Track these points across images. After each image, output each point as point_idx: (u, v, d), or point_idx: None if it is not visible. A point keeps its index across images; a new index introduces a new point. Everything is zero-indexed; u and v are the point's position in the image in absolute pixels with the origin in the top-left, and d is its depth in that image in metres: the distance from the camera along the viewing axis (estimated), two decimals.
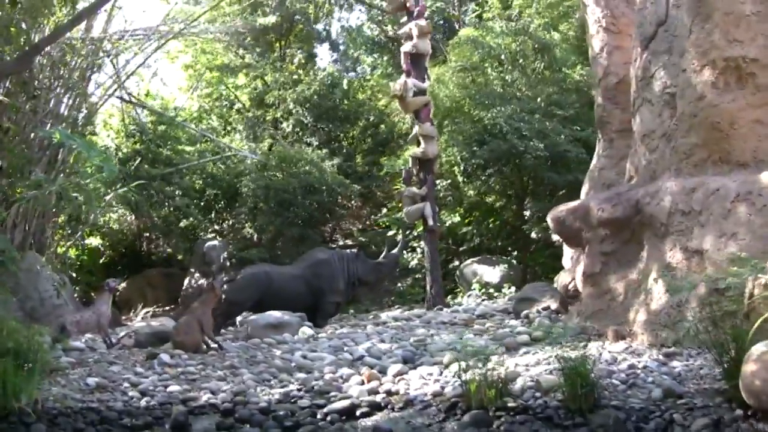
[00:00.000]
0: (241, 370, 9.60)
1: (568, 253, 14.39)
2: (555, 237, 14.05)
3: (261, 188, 20.42)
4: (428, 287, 16.39)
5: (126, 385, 8.68)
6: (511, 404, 7.31)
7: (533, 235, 17.40)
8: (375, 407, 7.88)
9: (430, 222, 16.36)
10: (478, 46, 18.00)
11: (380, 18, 27.16)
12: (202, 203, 21.83)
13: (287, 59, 26.71)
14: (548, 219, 11.17)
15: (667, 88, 9.62)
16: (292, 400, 8.27)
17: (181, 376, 9.25)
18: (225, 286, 13.32)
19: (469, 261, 17.84)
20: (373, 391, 8.29)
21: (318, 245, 19.19)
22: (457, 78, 18.25)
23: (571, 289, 11.29)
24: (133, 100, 21.15)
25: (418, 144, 16.51)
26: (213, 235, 22.22)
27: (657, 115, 9.81)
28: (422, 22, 16.53)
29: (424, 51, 16.81)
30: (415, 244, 18.50)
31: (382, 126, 24.64)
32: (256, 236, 21.51)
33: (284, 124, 24.15)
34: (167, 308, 19.17)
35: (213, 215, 22.87)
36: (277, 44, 26.71)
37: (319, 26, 28.06)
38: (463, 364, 7.69)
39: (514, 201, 18.41)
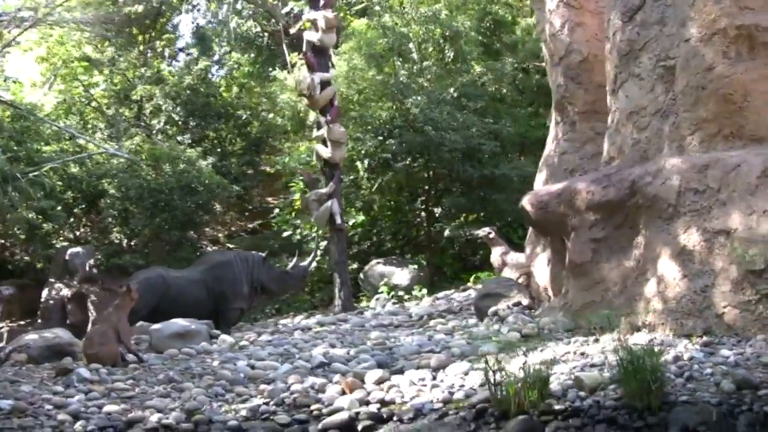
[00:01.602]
0: (184, 384, 8.45)
1: (497, 251, 13.76)
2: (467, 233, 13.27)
3: (133, 189, 18.64)
4: (336, 290, 15.24)
5: (48, 407, 7.50)
6: (557, 407, 6.40)
7: (447, 232, 16.52)
8: (377, 419, 6.96)
9: (338, 220, 15.29)
10: (387, 32, 17.03)
11: (251, 12, 25.82)
12: (59, 207, 19.70)
13: (151, 53, 24.87)
14: (525, 205, 10.28)
15: (662, 60, 9.01)
16: (264, 416, 7.27)
17: (112, 394, 8.11)
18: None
19: (374, 262, 16.84)
20: (364, 401, 7.32)
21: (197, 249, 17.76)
22: (360, 68, 17.19)
23: (540, 284, 10.52)
24: None
25: (325, 144, 15.29)
26: (67, 243, 20.15)
27: (648, 90, 9.18)
28: (329, 14, 15.34)
29: (329, 44, 15.72)
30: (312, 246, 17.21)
31: (255, 124, 23.29)
32: (126, 241, 19.63)
33: (154, 121, 22.30)
34: (23, 323, 17.21)
35: (72, 220, 20.73)
36: (141, 37, 24.82)
37: (187, 18, 26.46)
38: (493, 363, 6.68)
39: (421, 197, 17.53)
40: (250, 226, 24.37)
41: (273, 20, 25.62)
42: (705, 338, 7.56)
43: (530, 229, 11.98)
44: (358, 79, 17.93)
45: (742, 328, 7.43)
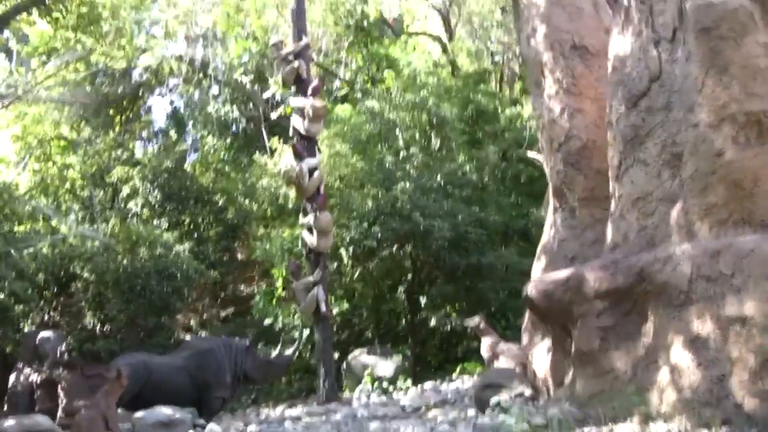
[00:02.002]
0: None
1: (487, 341, 13.49)
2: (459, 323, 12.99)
3: (109, 272, 18.22)
4: (321, 380, 14.77)
5: None
6: None
7: (433, 321, 16.26)
8: None
9: (323, 307, 14.95)
10: (375, 118, 17.08)
11: (227, 97, 25.93)
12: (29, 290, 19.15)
13: (128, 134, 24.77)
14: (530, 292, 10.06)
15: (669, 146, 8.98)
16: None
17: None
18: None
19: (357, 352, 16.47)
20: None
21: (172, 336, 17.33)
22: (343, 154, 17.16)
23: (539, 374, 10.25)
24: None
25: (312, 232, 15.05)
26: (35, 327, 19.57)
27: (654, 176, 9.12)
28: (318, 103, 15.27)
29: (316, 132, 15.65)
30: (295, 334, 16.79)
31: (232, 209, 23.08)
32: (99, 326, 19.10)
33: (131, 204, 21.99)
34: None
35: (42, 303, 20.17)
36: (117, 118, 24.75)
37: (163, 101, 26.50)
38: None
39: (405, 285, 17.30)
40: (223, 313, 23.99)
41: (251, 105, 25.77)
42: (725, 428, 7.31)
43: (526, 318, 11.78)
44: (342, 165, 17.89)
45: (763, 418, 7.21)
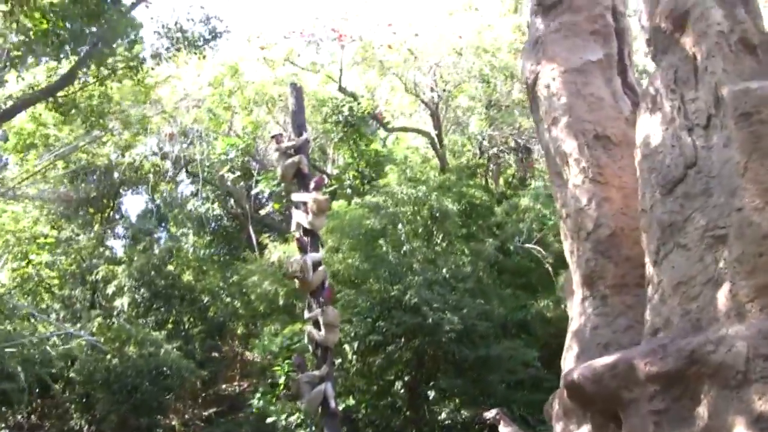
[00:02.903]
0: None
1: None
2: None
3: (98, 372, 17.85)
4: None
5: None
6: None
7: (443, 415, 16.10)
8: None
9: (332, 404, 14.74)
10: (380, 212, 17.24)
11: (208, 195, 26.00)
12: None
13: (109, 232, 24.61)
14: (576, 378, 10.02)
15: (710, 231, 9.14)
16: None
17: None
18: None
19: None
20: None
21: None
22: (344, 249, 17.23)
23: None
24: None
25: (318, 327, 14.96)
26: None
27: (697, 260, 9.25)
28: (321, 197, 15.42)
29: (319, 227, 15.71)
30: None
31: (217, 307, 22.90)
32: (86, 427, 18.58)
33: (117, 302, 21.68)
34: None
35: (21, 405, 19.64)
36: (97, 216, 24.59)
37: (141, 199, 26.41)
38: None
39: (412, 379, 17.18)
40: (205, 413, 23.58)
41: (231, 202, 25.87)
42: None
43: (556, 406, 11.70)
44: (338, 261, 17.93)
45: None
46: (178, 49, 15.27)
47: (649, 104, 10.45)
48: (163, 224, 26.86)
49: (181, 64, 17.03)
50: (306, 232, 15.45)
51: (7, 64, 16.21)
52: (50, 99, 14.45)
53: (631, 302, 10.78)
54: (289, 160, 15.71)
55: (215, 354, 22.45)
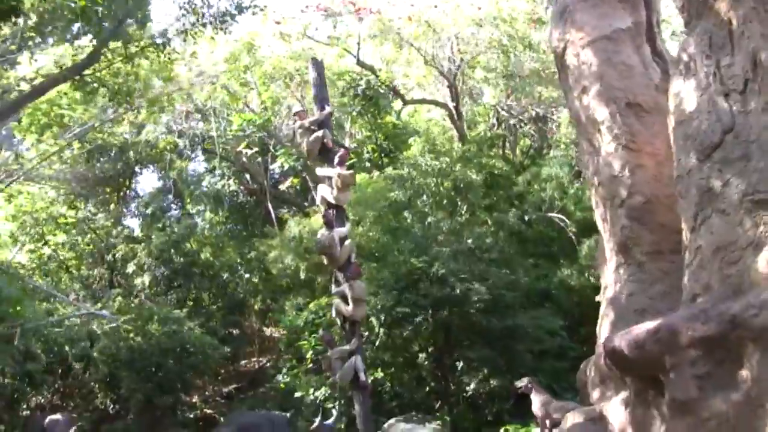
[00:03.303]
0: None
1: (538, 400, 13.55)
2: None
3: (122, 351, 17.95)
4: None
5: None
6: None
7: (472, 386, 16.26)
8: None
9: (362, 377, 14.84)
10: (406, 185, 17.33)
11: (224, 172, 26.08)
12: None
13: (126, 210, 24.75)
14: (617, 344, 10.15)
15: (749, 195, 9.21)
16: None
17: None
18: None
19: (392, 420, 16.35)
20: None
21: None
22: (369, 222, 17.34)
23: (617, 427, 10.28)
24: None
25: (346, 302, 15.05)
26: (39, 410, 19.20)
27: (736, 224, 9.32)
28: (346, 172, 15.46)
29: (344, 201, 15.76)
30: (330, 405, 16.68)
31: (234, 284, 23.02)
32: (112, 407, 18.74)
33: (137, 281, 21.80)
34: None
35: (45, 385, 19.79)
36: (114, 195, 24.70)
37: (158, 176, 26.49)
38: None
39: (438, 351, 17.35)
40: (225, 390, 23.77)
41: (247, 177, 25.95)
42: None
43: (591, 373, 11.84)
44: (361, 234, 18.03)
45: None
46: (204, 25, 15.23)
47: (683, 70, 10.49)
48: (179, 202, 26.96)
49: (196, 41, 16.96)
50: (331, 206, 15.50)
51: (21, 45, 16.23)
52: (76, 78, 14.43)
53: (666, 268, 10.90)
54: (313, 136, 15.68)
55: (236, 330, 22.53)
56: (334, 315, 15.60)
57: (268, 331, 26.51)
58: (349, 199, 15.97)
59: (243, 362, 25.56)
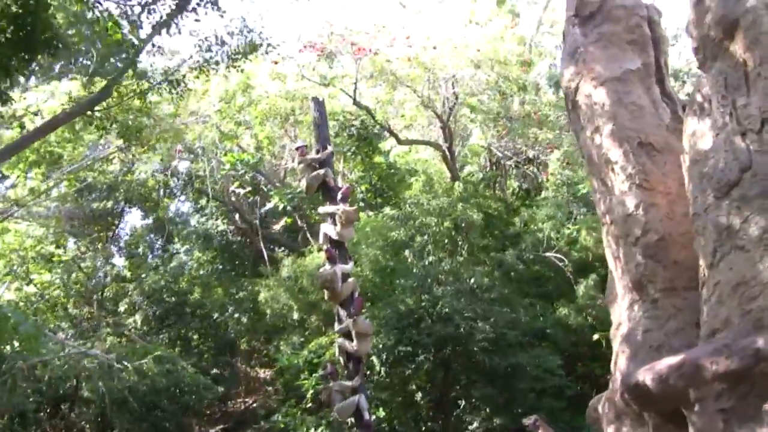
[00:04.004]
0: None
1: None
2: None
3: (115, 391, 17.81)
4: None
5: None
6: None
7: (475, 424, 16.34)
8: None
9: (365, 416, 14.88)
10: (408, 223, 17.50)
11: (213, 211, 26.10)
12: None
13: (115, 249, 24.64)
14: (640, 379, 10.27)
15: None
16: None
17: None
18: None
19: None
20: None
21: None
22: (372, 262, 17.47)
23: None
24: None
25: (350, 338, 15.11)
26: None
27: (756, 261, 9.53)
28: (350, 208, 15.63)
29: (347, 238, 15.90)
30: None
31: (225, 325, 22.98)
32: None
33: (129, 320, 21.68)
34: None
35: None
36: (104, 233, 24.62)
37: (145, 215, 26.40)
38: None
39: (437, 389, 17.41)
40: (212, 431, 23.55)
41: (236, 217, 25.98)
42: None
43: (605, 409, 11.94)
44: (358, 273, 18.11)
45: None
46: (217, 63, 15.40)
47: (697, 110, 10.79)
48: (167, 241, 26.88)
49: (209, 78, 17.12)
50: (333, 243, 15.61)
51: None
52: (87, 113, 14.49)
53: (681, 305, 11.07)
54: (314, 173, 15.86)
55: (226, 371, 22.44)
56: (337, 354, 15.61)
57: (254, 371, 26.41)
58: (353, 236, 16.06)
59: (229, 402, 25.40)
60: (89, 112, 14.27)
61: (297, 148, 16.42)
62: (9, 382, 16.21)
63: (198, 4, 13.49)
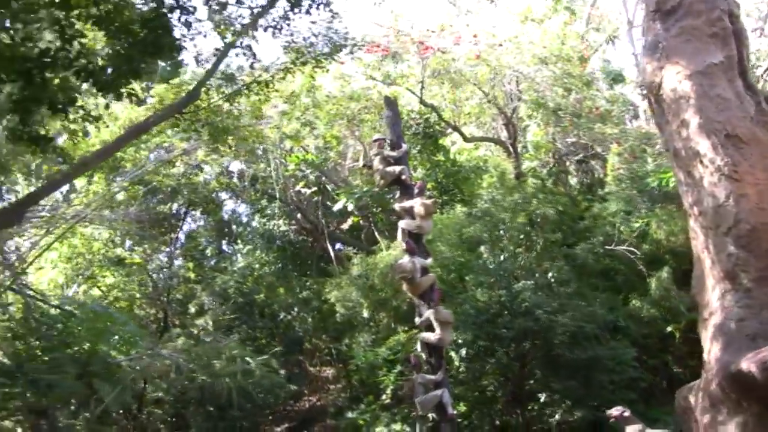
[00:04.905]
0: None
1: (633, 429, 13.94)
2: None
3: (191, 392, 18.34)
4: None
5: None
6: None
7: (557, 417, 16.73)
8: None
9: (450, 410, 15.20)
10: (485, 219, 17.96)
11: (275, 211, 26.69)
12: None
13: (178, 251, 25.32)
14: (749, 368, 10.60)
15: None
16: None
17: None
18: None
19: None
20: None
21: None
22: (443, 258, 17.91)
23: None
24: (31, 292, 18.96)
25: (431, 329, 15.44)
26: None
27: None
28: (428, 201, 16.00)
29: (427, 230, 16.23)
30: None
31: (293, 325, 23.53)
32: None
33: (199, 321, 22.29)
34: None
35: None
36: (168, 236, 25.30)
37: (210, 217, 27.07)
38: None
39: (513, 383, 17.81)
40: (278, 430, 24.02)
41: (298, 216, 26.52)
42: None
43: (699, 399, 12.24)
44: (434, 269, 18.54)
45: None
46: (304, 63, 15.88)
47: None
48: (229, 242, 27.53)
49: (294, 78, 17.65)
50: (412, 238, 15.94)
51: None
52: (177, 115, 15.05)
53: None
54: (390, 168, 16.21)
55: (296, 369, 22.98)
56: (419, 349, 15.97)
57: (318, 370, 26.93)
58: (431, 228, 16.38)
59: (292, 402, 25.89)
60: (177, 115, 14.79)
61: (375, 140, 16.71)
62: (112, 381, 16.75)
63: (311, 5, 13.95)
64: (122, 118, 20.93)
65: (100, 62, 10.74)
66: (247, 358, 19.74)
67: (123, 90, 11.27)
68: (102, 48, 10.90)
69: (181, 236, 27.06)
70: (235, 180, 26.31)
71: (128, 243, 25.86)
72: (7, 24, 9.66)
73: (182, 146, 22.98)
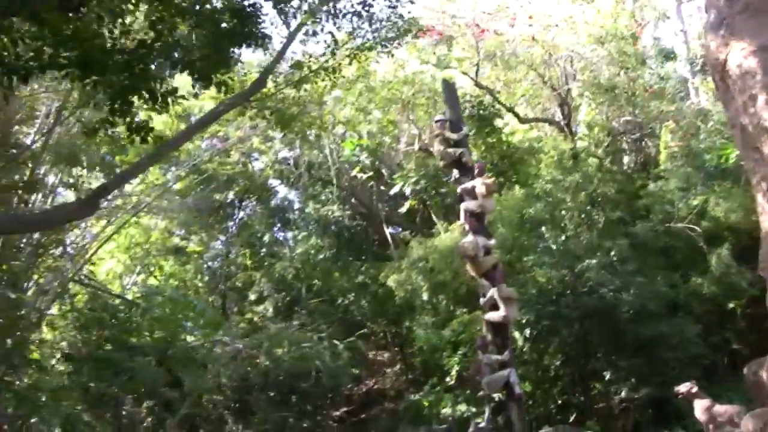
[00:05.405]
0: None
1: (701, 405, 14.15)
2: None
3: (255, 377, 18.76)
4: None
5: None
6: None
7: (622, 394, 16.99)
8: None
9: (517, 390, 15.46)
10: (548, 199, 18.22)
11: (331, 196, 27.11)
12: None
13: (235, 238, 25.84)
14: None
15: None
16: None
17: None
18: None
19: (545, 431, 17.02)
20: None
21: None
22: (508, 239, 18.22)
23: None
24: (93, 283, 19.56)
25: (495, 308, 15.70)
26: None
27: None
28: (489, 180, 16.29)
29: (489, 209, 16.50)
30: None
31: (351, 309, 23.93)
32: None
33: (261, 307, 22.81)
34: None
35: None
36: (224, 224, 25.84)
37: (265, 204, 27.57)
38: None
39: (577, 362, 18.08)
40: (336, 413, 24.38)
41: (353, 201, 26.90)
42: None
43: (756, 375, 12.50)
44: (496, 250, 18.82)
45: None
46: (370, 49, 16.21)
47: None
48: (283, 228, 28.01)
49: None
50: (473, 217, 16.20)
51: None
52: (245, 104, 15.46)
53: None
54: (450, 149, 16.53)
55: (354, 354, 23.38)
56: (484, 330, 16.25)
57: (374, 354, 27.37)
58: (494, 207, 16.64)
59: (349, 386, 26.31)
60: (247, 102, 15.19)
61: (437, 121, 17.02)
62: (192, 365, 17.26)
63: None
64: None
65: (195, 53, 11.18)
66: (312, 343, 20.17)
67: (215, 78, 11.75)
68: (193, 38, 11.32)
69: (240, 223, 27.56)
70: (290, 167, 26.74)
71: (182, 232, 26.42)
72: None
73: (238, 134, 23.44)
